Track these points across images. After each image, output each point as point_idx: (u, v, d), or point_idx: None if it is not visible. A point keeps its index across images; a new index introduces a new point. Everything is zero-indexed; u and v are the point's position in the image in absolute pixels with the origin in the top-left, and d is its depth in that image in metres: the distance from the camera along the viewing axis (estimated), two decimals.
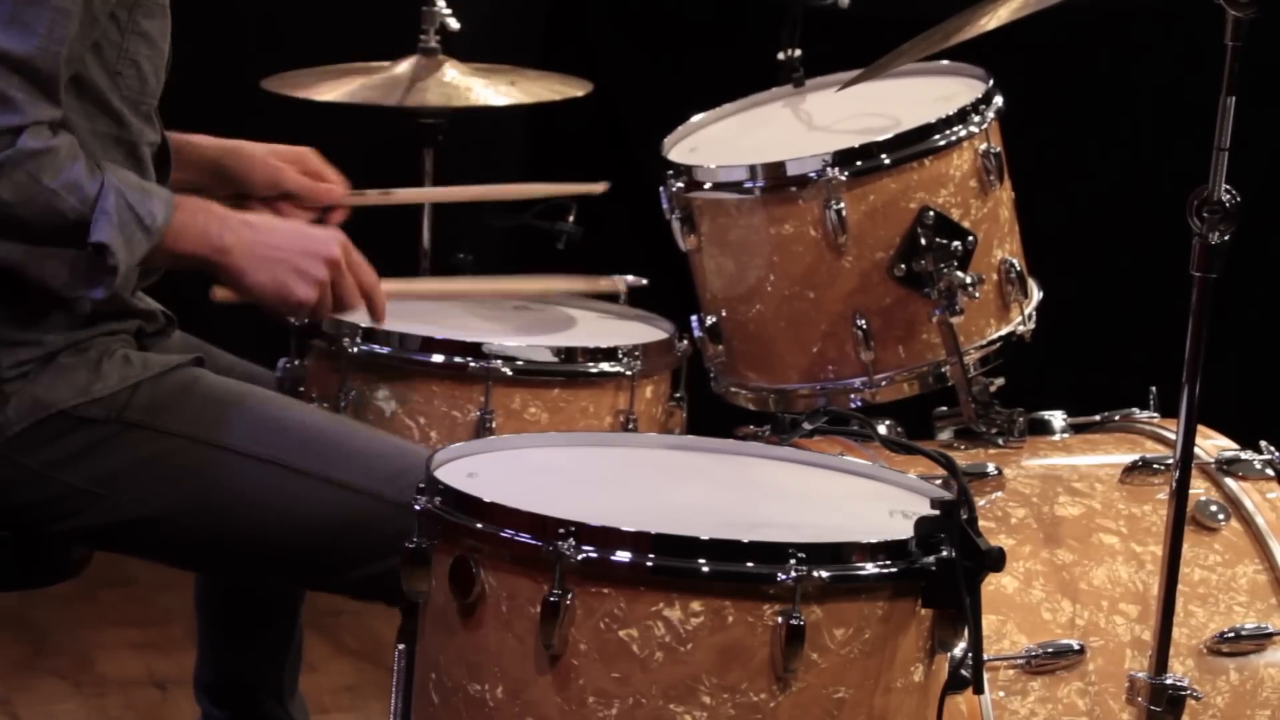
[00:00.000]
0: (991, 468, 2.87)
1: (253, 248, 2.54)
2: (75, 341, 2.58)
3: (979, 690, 2.27)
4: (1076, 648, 2.70)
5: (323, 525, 2.59)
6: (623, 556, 2.16)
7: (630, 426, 2.98)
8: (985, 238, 2.95)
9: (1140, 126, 4.73)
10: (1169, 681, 2.60)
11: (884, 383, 2.96)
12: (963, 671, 2.28)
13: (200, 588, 3.11)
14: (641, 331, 3.14)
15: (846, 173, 2.89)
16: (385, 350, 2.94)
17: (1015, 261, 3.02)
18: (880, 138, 2.91)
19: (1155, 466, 2.88)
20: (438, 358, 2.93)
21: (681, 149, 3.14)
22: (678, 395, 3.13)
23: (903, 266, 2.91)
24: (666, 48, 4.80)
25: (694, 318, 3.09)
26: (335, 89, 3.43)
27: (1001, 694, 2.66)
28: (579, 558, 2.16)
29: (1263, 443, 2.96)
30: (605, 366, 2.97)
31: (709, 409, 3.15)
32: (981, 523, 2.27)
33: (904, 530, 2.23)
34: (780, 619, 2.15)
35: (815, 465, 2.56)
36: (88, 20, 2.48)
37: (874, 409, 2.96)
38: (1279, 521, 2.86)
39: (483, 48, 3.56)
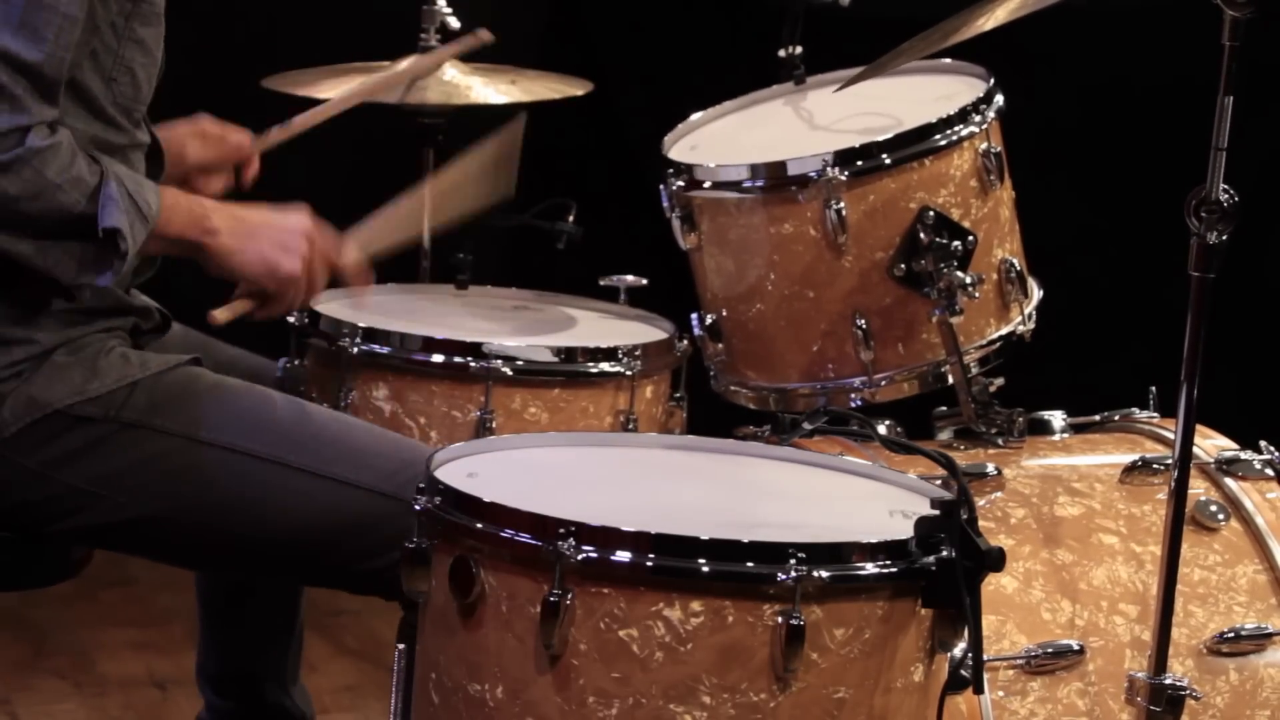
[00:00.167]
0: (991, 468, 2.87)
1: (238, 229, 2.60)
2: (70, 339, 2.58)
3: (979, 690, 2.27)
4: (1076, 648, 2.70)
5: (323, 521, 2.59)
6: (623, 556, 2.16)
7: (630, 426, 2.98)
8: (985, 237, 2.95)
9: (1140, 126, 4.73)
10: (1169, 681, 2.60)
11: (884, 382, 2.96)
12: (963, 671, 2.28)
13: (201, 576, 3.11)
14: (641, 331, 3.14)
15: (847, 172, 2.89)
16: (385, 350, 2.94)
17: (1015, 261, 3.02)
18: (881, 137, 2.91)
19: (1155, 466, 2.88)
20: (438, 358, 2.93)
21: (682, 147, 3.14)
22: (678, 395, 3.13)
23: (903, 266, 2.91)
24: (666, 46, 4.80)
25: (694, 316, 3.09)
26: (335, 88, 3.42)
27: (1001, 694, 2.66)
28: (579, 558, 2.16)
29: (1263, 443, 2.96)
30: (605, 366, 2.98)
31: (709, 409, 3.15)
32: (981, 523, 2.27)
33: (904, 530, 2.23)
34: (780, 619, 2.15)
35: (815, 465, 2.56)
36: (89, 28, 2.50)
37: (874, 409, 2.96)
38: (1279, 521, 2.86)
39: (483, 47, 3.56)
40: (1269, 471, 2.91)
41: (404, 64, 3.44)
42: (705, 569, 2.15)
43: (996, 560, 2.23)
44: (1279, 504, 2.89)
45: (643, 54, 4.81)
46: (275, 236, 2.62)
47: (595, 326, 3.18)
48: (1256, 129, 3.04)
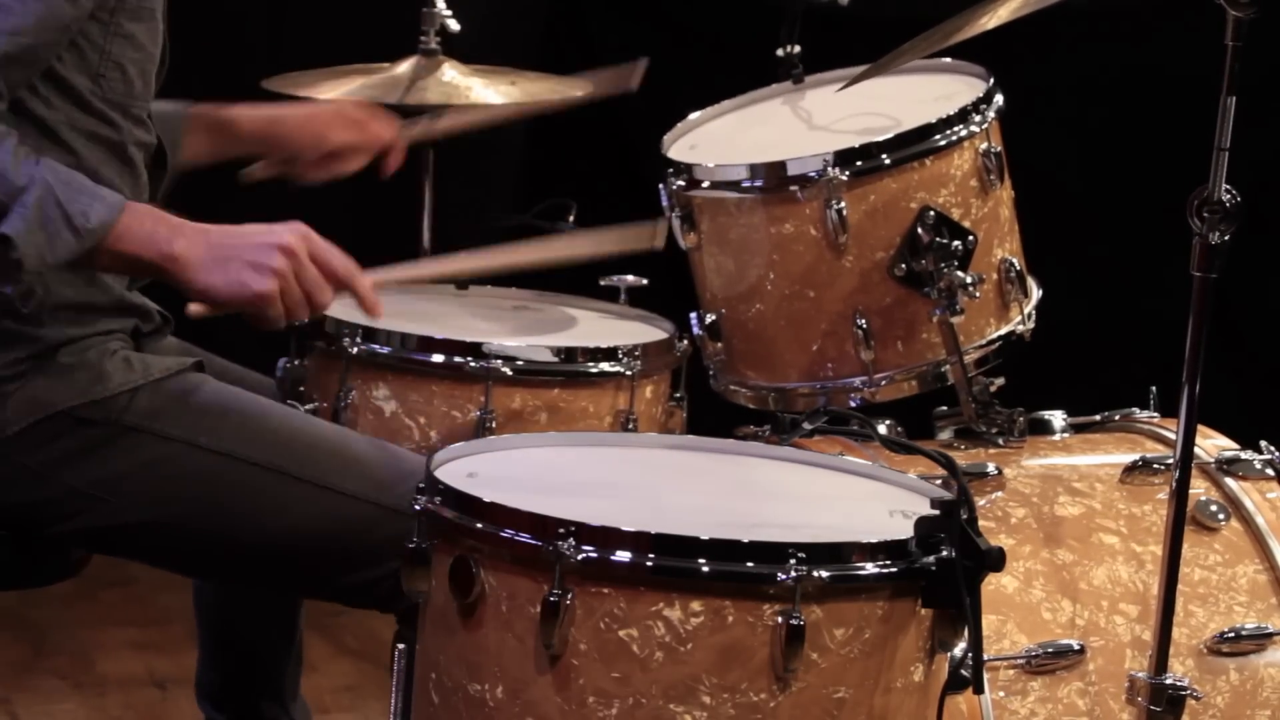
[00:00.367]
0: (991, 468, 2.87)
1: (204, 252, 2.46)
2: (71, 339, 2.58)
3: (979, 690, 2.27)
4: (1076, 648, 2.70)
5: (320, 531, 2.59)
6: (623, 556, 2.16)
7: (630, 426, 2.98)
8: (985, 237, 2.95)
9: (1140, 126, 4.72)
10: (1169, 681, 2.60)
11: (884, 382, 2.96)
12: (963, 671, 2.28)
13: (200, 593, 3.11)
14: (641, 331, 3.14)
15: (847, 172, 2.89)
16: (385, 350, 2.94)
17: (1015, 261, 3.02)
18: (881, 137, 2.91)
19: (1155, 466, 2.88)
20: (438, 358, 2.93)
21: (681, 146, 3.14)
22: (678, 395, 3.13)
23: (903, 266, 2.91)
24: (666, 46, 4.80)
25: (693, 315, 3.09)
26: (336, 88, 3.42)
27: (1001, 694, 2.66)
28: (579, 558, 2.16)
29: (1263, 443, 2.96)
30: (605, 366, 2.97)
31: (709, 409, 3.15)
32: (981, 523, 2.27)
33: (904, 530, 2.23)
34: (780, 619, 2.15)
35: (815, 465, 2.56)
36: (55, 25, 2.46)
37: (874, 408, 2.96)
38: (1279, 521, 2.86)
39: (483, 48, 3.56)
40: (1269, 471, 2.91)
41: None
42: (705, 569, 2.15)
43: (996, 560, 2.23)
44: (1279, 504, 2.89)
45: (642, 54, 4.81)
46: (247, 256, 2.47)
47: (595, 326, 3.18)
48: (1258, 129, 3.03)
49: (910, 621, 2.24)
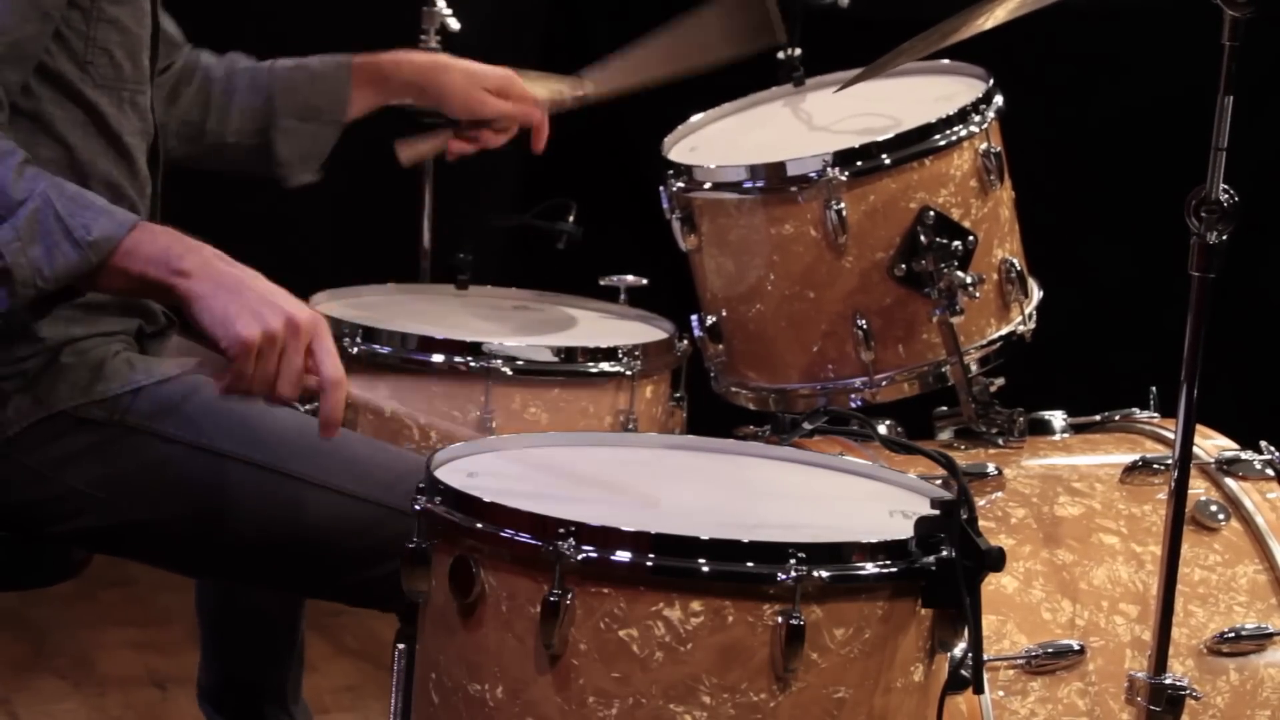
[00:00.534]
0: (991, 468, 2.87)
1: (218, 277, 2.37)
2: (74, 339, 2.58)
3: (979, 690, 2.27)
4: (1076, 648, 2.70)
5: (321, 530, 2.59)
6: (623, 556, 2.16)
7: (630, 426, 2.98)
8: (985, 237, 2.96)
9: (1140, 126, 4.73)
10: (1169, 681, 2.59)
11: (884, 382, 2.96)
12: (963, 671, 2.28)
13: (202, 595, 3.11)
14: (641, 331, 3.14)
15: (847, 173, 2.89)
16: (385, 350, 2.94)
17: (1015, 261, 3.02)
18: (880, 138, 2.91)
19: (1155, 466, 2.88)
20: (438, 358, 2.93)
21: (681, 148, 3.14)
22: (678, 395, 3.14)
23: (903, 266, 2.91)
24: None
25: (694, 317, 3.10)
26: None
27: (1001, 694, 2.66)
28: (579, 558, 2.16)
29: (1263, 443, 2.97)
30: (605, 366, 2.98)
31: (709, 409, 3.15)
32: (981, 523, 2.27)
33: (904, 530, 2.23)
34: (780, 619, 2.15)
35: (815, 465, 2.56)
36: (36, 18, 2.45)
37: (874, 409, 2.96)
38: (1279, 521, 2.86)
39: (483, 48, 3.56)
40: (1269, 471, 2.91)
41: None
42: (705, 569, 2.15)
43: (996, 560, 2.23)
44: (1279, 504, 2.89)
45: None
46: (251, 299, 2.36)
47: (595, 326, 3.18)
48: (1257, 129, 3.04)
49: (910, 621, 2.24)
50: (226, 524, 2.59)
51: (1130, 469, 2.89)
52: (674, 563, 2.16)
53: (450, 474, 2.32)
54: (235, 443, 2.59)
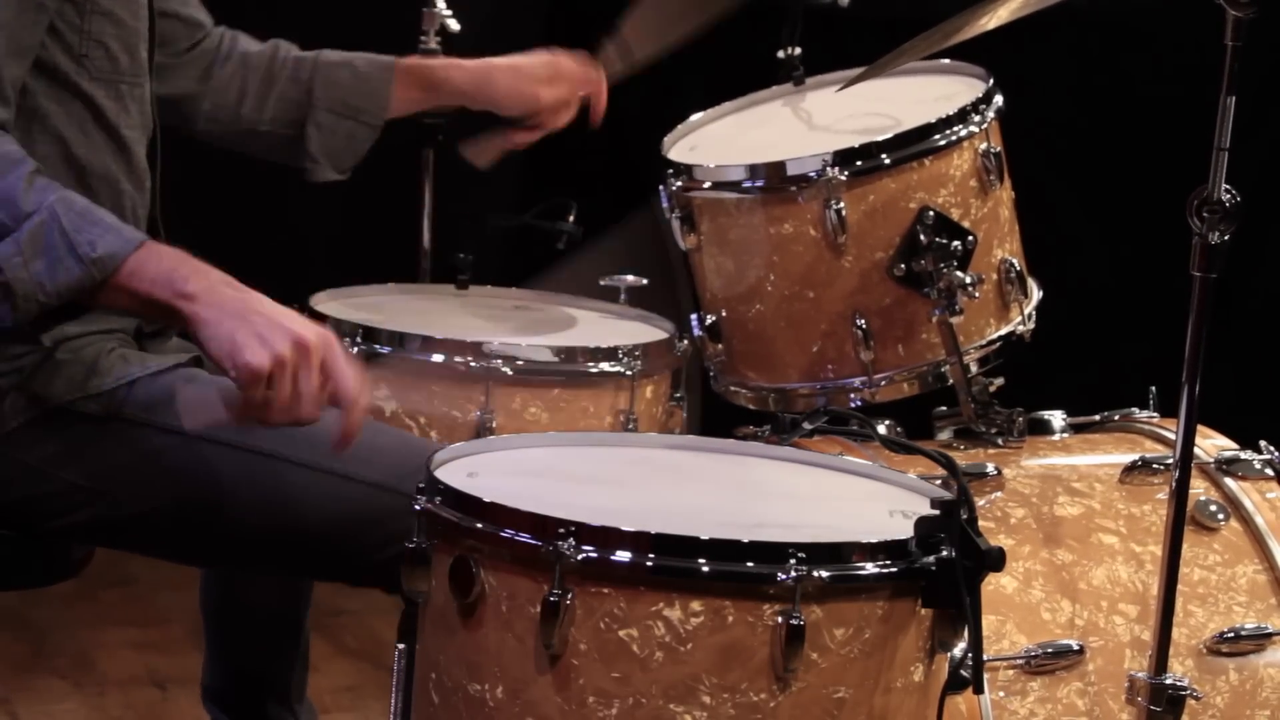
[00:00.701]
0: (991, 468, 2.87)
1: (223, 301, 2.36)
2: (70, 336, 2.58)
3: (979, 690, 2.27)
4: (1076, 648, 2.70)
5: (325, 516, 2.59)
6: (623, 556, 2.16)
7: (630, 426, 2.98)
8: (985, 237, 2.95)
9: (1140, 126, 4.73)
10: (1169, 681, 2.59)
11: (884, 382, 2.96)
12: (963, 671, 2.28)
13: (205, 593, 3.11)
14: (641, 331, 3.14)
15: (846, 172, 2.89)
16: (385, 350, 2.94)
17: (1015, 261, 3.02)
18: (880, 137, 2.91)
19: (1155, 466, 2.88)
20: (438, 358, 2.93)
21: (681, 148, 3.14)
22: (678, 395, 3.13)
23: (903, 266, 2.91)
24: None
25: (694, 316, 3.09)
26: None
27: (1001, 694, 2.66)
28: (579, 558, 2.15)
29: (1262, 443, 2.97)
30: (605, 366, 2.97)
31: (709, 409, 3.15)
32: (981, 523, 2.27)
33: (904, 530, 2.23)
34: (780, 619, 2.15)
35: (815, 465, 2.56)
36: (30, 8, 2.46)
37: (874, 409, 2.96)
38: (1279, 521, 2.86)
39: (483, 48, 3.56)
40: (1269, 471, 2.91)
41: None
42: (705, 569, 2.15)
43: (996, 560, 2.23)
44: (1279, 504, 2.89)
45: None
46: (259, 326, 2.33)
47: (595, 326, 3.18)
48: (1258, 129, 3.04)
49: (910, 621, 2.24)
50: (226, 512, 2.58)
51: (1130, 469, 2.89)
52: (674, 563, 2.16)
53: (450, 474, 2.32)
54: (232, 431, 2.58)
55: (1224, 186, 2.52)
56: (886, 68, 2.93)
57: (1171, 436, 2.66)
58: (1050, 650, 2.69)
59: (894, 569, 2.20)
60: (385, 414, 2.92)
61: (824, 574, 2.16)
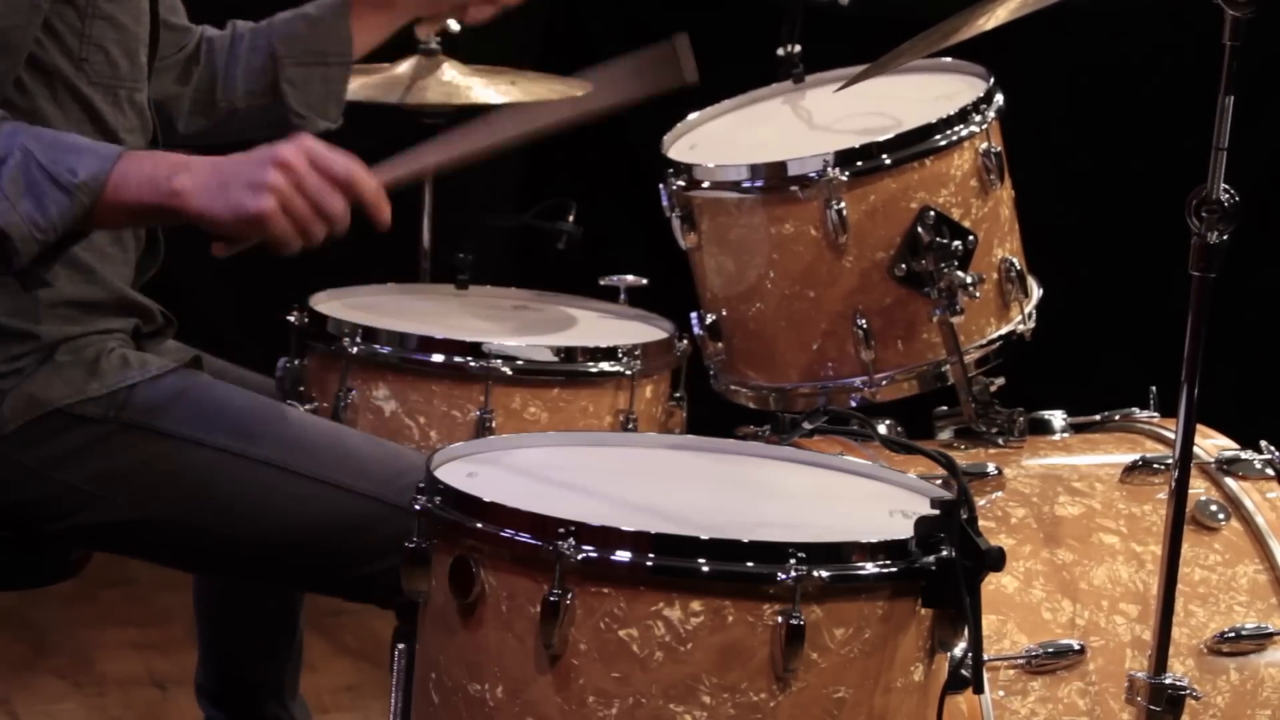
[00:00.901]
0: (991, 468, 2.87)
1: (206, 182, 2.36)
2: (71, 337, 2.58)
3: (979, 690, 2.27)
4: (1077, 648, 2.70)
5: (319, 526, 2.59)
6: (623, 556, 2.16)
7: (630, 426, 2.98)
8: (985, 237, 2.95)
9: (1140, 126, 4.73)
10: (1169, 681, 2.59)
11: (884, 382, 2.96)
12: (963, 671, 2.28)
13: (199, 591, 3.11)
14: (641, 331, 3.14)
15: (847, 172, 2.89)
16: (385, 350, 2.94)
17: (1015, 261, 3.02)
18: (881, 137, 2.91)
19: (1155, 466, 2.88)
20: (438, 358, 2.93)
21: (680, 146, 3.14)
22: (678, 395, 3.13)
23: (903, 266, 2.90)
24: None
25: (694, 315, 3.09)
26: None
27: (1001, 694, 2.66)
28: (579, 557, 2.15)
29: (1263, 443, 2.96)
30: (605, 366, 2.97)
31: (709, 409, 3.15)
32: (981, 523, 2.27)
33: (904, 530, 2.23)
34: (780, 619, 2.15)
35: (815, 465, 2.56)
36: (22, 6, 2.45)
37: (874, 408, 2.96)
38: (1279, 521, 2.86)
39: (483, 48, 3.56)
40: (1269, 471, 2.91)
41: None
42: (705, 569, 2.15)
43: (996, 560, 2.22)
44: (1279, 504, 2.89)
45: None
46: (244, 177, 2.35)
47: (595, 326, 3.18)
48: (1257, 128, 3.04)
49: (910, 621, 2.24)
50: (223, 519, 2.58)
51: (1130, 469, 2.89)
52: (674, 563, 2.16)
53: (450, 474, 2.32)
54: (232, 438, 2.59)
55: (1223, 186, 2.52)
56: (887, 66, 2.93)
57: (1172, 436, 2.66)
58: (1051, 650, 2.69)
59: (894, 569, 2.20)
60: (385, 414, 2.92)
61: (824, 574, 2.16)
